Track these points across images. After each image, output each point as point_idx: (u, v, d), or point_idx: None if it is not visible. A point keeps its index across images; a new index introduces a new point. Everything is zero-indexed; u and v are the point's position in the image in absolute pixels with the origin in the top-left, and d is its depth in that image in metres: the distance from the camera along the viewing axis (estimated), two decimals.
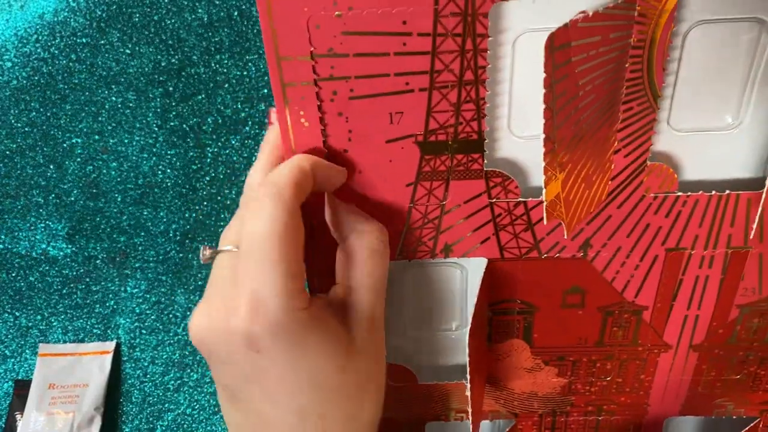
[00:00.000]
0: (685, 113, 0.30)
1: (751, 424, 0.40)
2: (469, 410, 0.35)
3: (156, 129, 0.47)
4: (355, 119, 0.30)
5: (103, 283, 0.52)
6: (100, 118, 0.46)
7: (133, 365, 0.53)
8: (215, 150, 0.47)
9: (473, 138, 0.30)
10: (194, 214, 0.50)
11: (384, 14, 0.26)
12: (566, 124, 0.27)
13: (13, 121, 0.46)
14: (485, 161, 0.31)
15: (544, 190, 0.28)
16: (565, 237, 0.33)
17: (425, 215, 0.33)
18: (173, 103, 0.46)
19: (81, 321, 0.53)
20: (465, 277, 0.37)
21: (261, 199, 0.27)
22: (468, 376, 0.34)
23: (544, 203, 0.29)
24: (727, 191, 0.31)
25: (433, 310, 0.39)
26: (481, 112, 0.30)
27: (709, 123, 0.31)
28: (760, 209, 0.31)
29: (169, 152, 0.48)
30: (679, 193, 0.32)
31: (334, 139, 0.30)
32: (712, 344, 0.38)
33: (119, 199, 0.49)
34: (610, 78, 0.28)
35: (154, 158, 0.48)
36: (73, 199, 0.49)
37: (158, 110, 0.46)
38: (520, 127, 0.31)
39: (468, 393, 0.34)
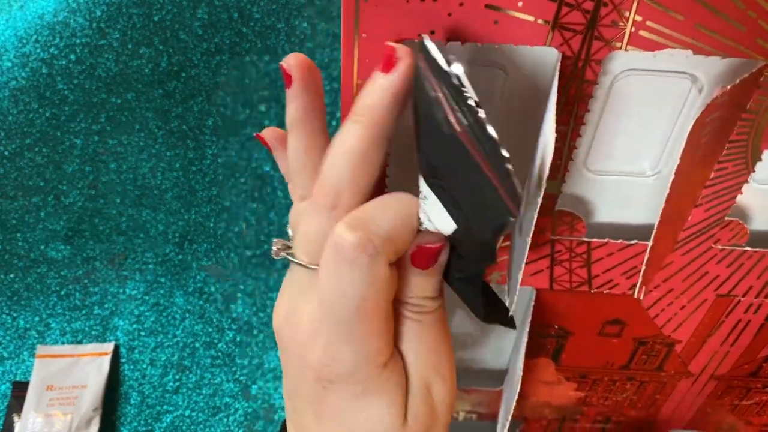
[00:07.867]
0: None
1: None
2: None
3: (155, 130, 0.46)
4: None
5: (101, 285, 0.52)
6: (99, 119, 0.46)
7: (132, 367, 0.53)
8: (215, 151, 0.47)
9: (552, 179, 0.30)
10: (193, 216, 0.50)
11: None
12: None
13: (12, 121, 0.46)
14: (558, 201, 0.30)
15: (645, 263, 0.27)
16: (640, 298, 0.32)
17: None
18: (173, 105, 0.46)
19: (79, 322, 0.52)
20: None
21: (354, 263, 0.23)
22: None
23: (641, 275, 0.28)
24: None
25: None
26: (569, 156, 0.29)
27: None
28: None
29: (168, 153, 0.47)
30: (747, 248, 0.31)
31: None
32: (733, 376, 0.38)
33: (118, 201, 0.49)
34: (714, 138, 0.27)
35: (153, 159, 0.47)
36: (71, 200, 0.49)
37: (158, 111, 0.46)
38: (597, 163, 0.30)
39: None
